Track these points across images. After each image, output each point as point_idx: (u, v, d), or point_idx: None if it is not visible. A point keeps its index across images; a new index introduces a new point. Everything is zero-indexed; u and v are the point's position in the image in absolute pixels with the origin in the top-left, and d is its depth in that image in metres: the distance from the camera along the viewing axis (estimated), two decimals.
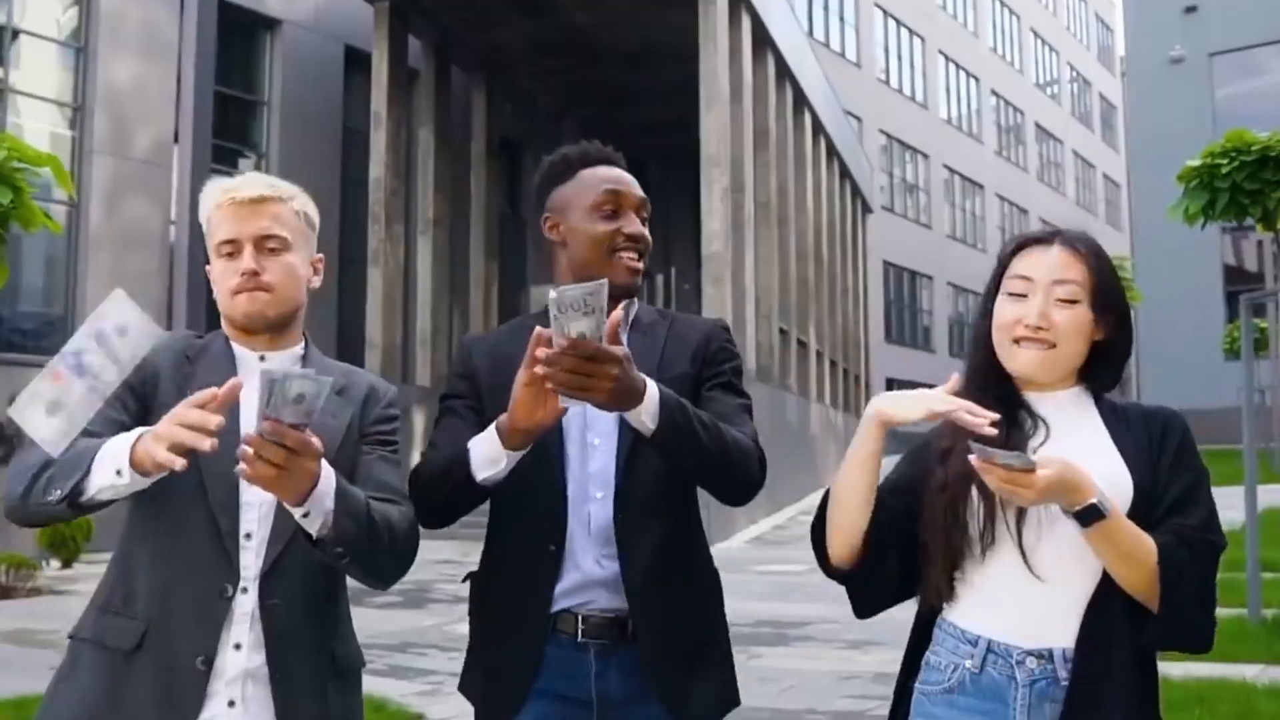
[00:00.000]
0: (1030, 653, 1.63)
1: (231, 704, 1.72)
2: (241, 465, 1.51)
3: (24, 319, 14.50)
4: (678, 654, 1.94)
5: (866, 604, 1.80)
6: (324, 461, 1.61)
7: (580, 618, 1.88)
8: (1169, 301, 24.54)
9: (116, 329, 1.47)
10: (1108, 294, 1.73)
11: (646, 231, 2.05)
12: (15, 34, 14.84)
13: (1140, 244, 27.21)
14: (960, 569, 1.70)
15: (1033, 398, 1.75)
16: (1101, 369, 1.77)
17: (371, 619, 7.85)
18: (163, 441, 1.52)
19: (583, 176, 2.02)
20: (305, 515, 1.62)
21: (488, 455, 1.81)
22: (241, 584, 1.74)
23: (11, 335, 14.00)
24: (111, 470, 1.59)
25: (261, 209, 1.83)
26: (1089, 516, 1.55)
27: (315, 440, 1.54)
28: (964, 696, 1.66)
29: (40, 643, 7.14)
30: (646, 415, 1.77)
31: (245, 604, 1.74)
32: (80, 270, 14.65)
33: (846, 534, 1.72)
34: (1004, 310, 1.75)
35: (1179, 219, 6.20)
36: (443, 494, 1.87)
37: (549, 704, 1.89)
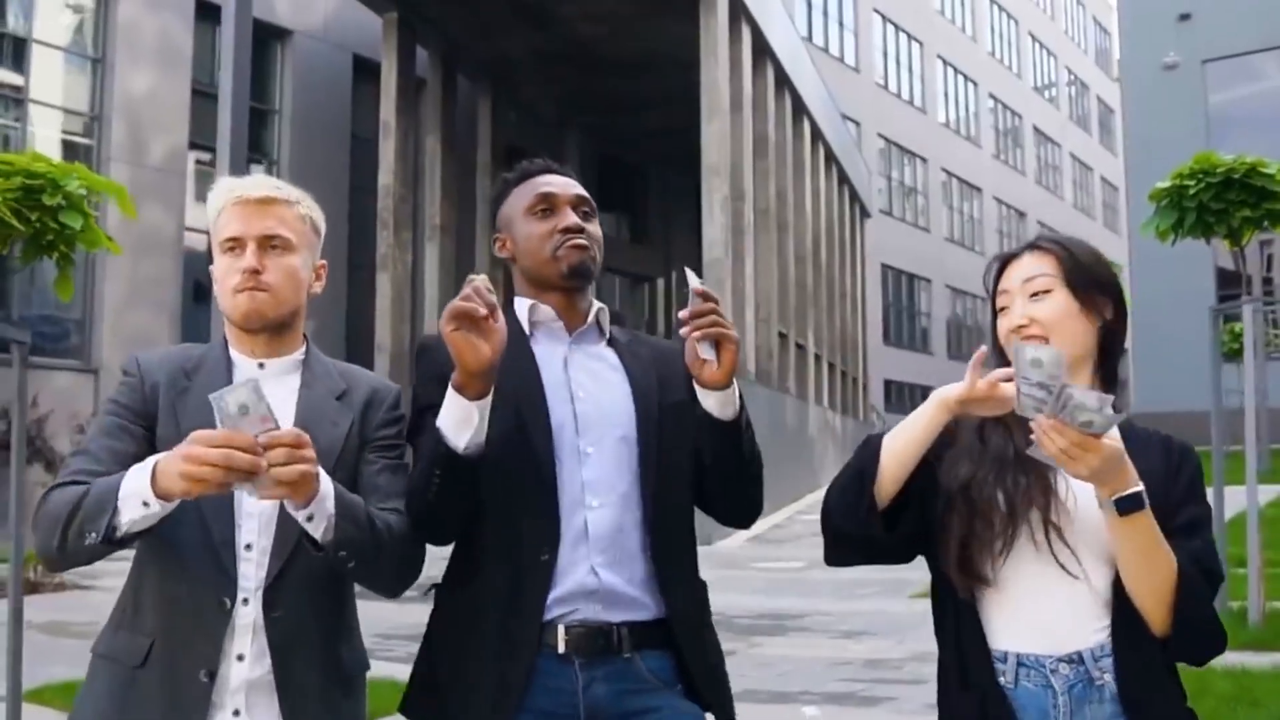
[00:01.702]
0: (1062, 659, 1.62)
1: (236, 713, 1.72)
2: (250, 488, 1.53)
3: (43, 323, 14.90)
4: (713, 656, 1.94)
5: (844, 557, 1.78)
6: (319, 467, 1.62)
7: (564, 629, 1.81)
8: (1163, 304, 24.88)
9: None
10: (1084, 272, 1.74)
11: (592, 226, 2.00)
12: (34, 46, 15.21)
13: (1136, 248, 27.53)
14: (980, 565, 1.68)
15: None
16: (1108, 356, 1.77)
17: (389, 611, 8.18)
18: (185, 479, 1.54)
19: (518, 189, 2.02)
20: (309, 519, 1.61)
21: (457, 418, 1.72)
22: (241, 595, 1.73)
23: (32, 338, 14.40)
24: (138, 504, 1.61)
25: (268, 210, 1.84)
26: (1130, 504, 1.54)
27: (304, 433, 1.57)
28: None
29: (73, 634, 7.43)
30: (734, 396, 1.83)
31: (246, 615, 1.73)
32: (98, 275, 15.05)
33: (882, 494, 1.71)
34: (999, 326, 1.79)
35: (1151, 235, 6.60)
36: (435, 488, 1.75)
37: (533, 719, 1.81)
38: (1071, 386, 1.49)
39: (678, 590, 1.89)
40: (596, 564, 1.83)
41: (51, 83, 15.47)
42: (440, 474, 1.74)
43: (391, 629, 7.58)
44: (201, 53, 17.10)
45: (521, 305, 1.99)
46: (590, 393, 1.90)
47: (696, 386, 1.83)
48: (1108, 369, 1.76)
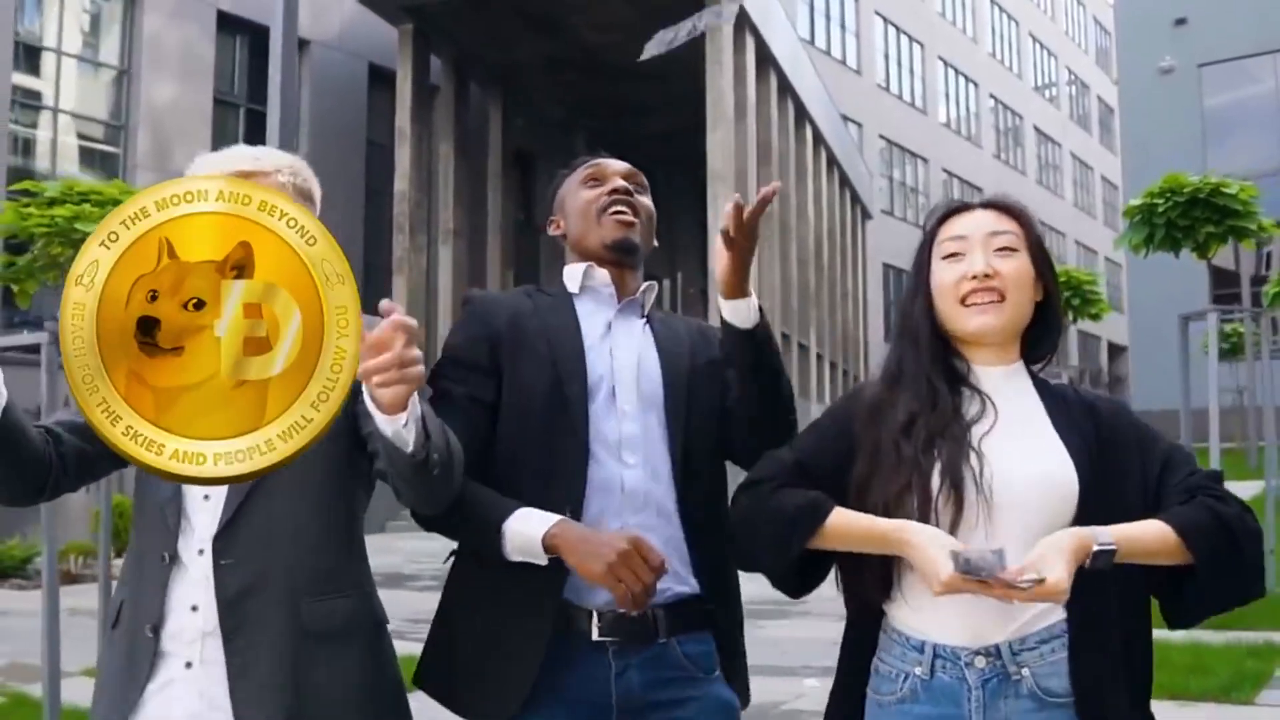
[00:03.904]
0: (978, 652, 1.59)
1: (189, 665, 1.72)
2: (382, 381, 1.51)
3: None
4: (738, 632, 1.92)
5: (802, 588, 1.74)
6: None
7: (597, 614, 1.77)
8: (1161, 305, 25.30)
9: None
10: (1042, 248, 1.72)
11: (643, 199, 2.01)
12: (63, 58, 15.72)
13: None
14: (897, 572, 1.66)
15: (978, 374, 1.70)
16: (1043, 333, 1.73)
17: (412, 599, 8.72)
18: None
19: (573, 174, 2.06)
20: (405, 425, 1.54)
21: (527, 549, 1.74)
22: (197, 546, 1.75)
23: None
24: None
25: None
26: (1105, 560, 1.50)
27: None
28: (918, 705, 1.62)
29: None
30: (751, 308, 1.79)
31: (202, 565, 1.74)
32: None
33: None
34: (944, 274, 1.70)
35: (1125, 247, 7.13)
36: (463, 537, 1.85)
37: (562, 707, 1.77)
38: (981, 565, 1.47)
39: (709, 560, 1.86)
40: (630, 524, 1.79)
41: (78, 93, 15.99)
42: (479, 547, 1.80)
43: (414, 613, 8.09)
44: (223, 63, 17.62)
45: (575, 270, 1.99)
46: (628, 355, 1.91)
47: (720, 301, 1.85)
48: (1045, 343, 1.75)
